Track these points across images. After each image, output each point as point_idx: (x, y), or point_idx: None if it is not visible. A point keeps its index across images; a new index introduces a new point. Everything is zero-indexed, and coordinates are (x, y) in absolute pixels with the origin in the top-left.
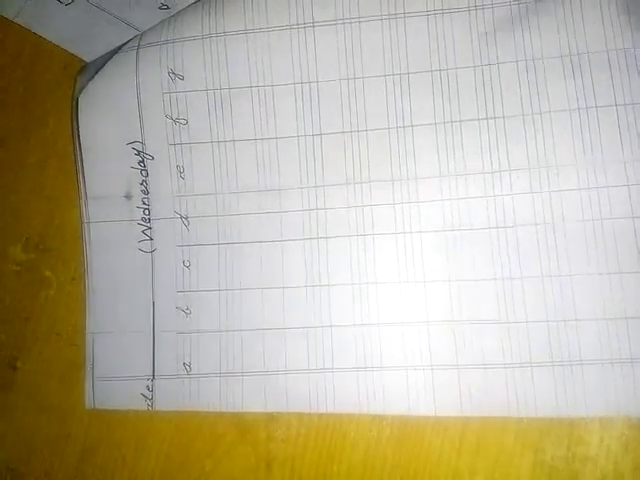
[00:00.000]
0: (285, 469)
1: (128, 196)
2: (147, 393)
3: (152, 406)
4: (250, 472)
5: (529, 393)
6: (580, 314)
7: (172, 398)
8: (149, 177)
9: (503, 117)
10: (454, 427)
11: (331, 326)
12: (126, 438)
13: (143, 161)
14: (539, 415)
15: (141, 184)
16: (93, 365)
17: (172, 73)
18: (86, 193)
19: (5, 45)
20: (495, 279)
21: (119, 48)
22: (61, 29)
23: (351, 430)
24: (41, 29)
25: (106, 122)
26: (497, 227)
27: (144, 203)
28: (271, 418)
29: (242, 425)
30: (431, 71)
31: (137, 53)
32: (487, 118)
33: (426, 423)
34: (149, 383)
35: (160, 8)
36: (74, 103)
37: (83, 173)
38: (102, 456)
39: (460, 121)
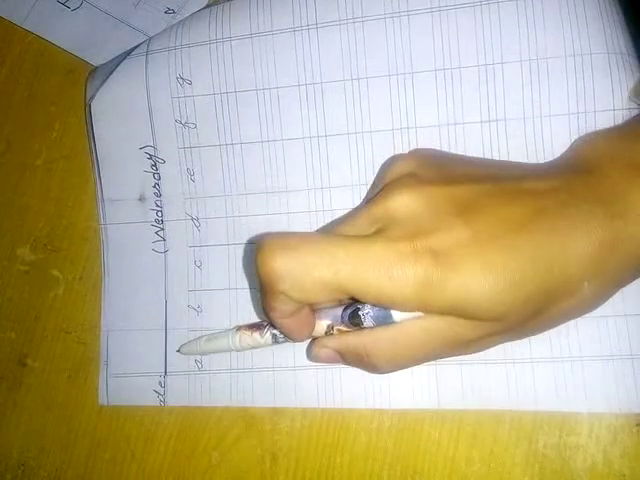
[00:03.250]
0: (290, 460)
1: (142, 199)
2: (159, 389)
3: (164, 402)
4: (256, 464)
5: (529, 388)
6: None
7: (184, 394)
8: (161, 180)
9: (505, 120)
10: (451, 419)
11: None
12: (134, 433)
13: (155, 165)
14: (539, 409)
15: (154, 187)
16: (107, 362)
17: (180, 78)
18: (103, 196)
19: (10, 50)
20: None
21: (128, 53)
22: (68, 34)
23: (353, 422)
24: (48, 34)
25: (119, 127)
26: None
27: (157, 205)
28: (276, 411)
29: (248, 418)
30: (435, 70)
31: (146, 59)
32: (490, 121)
33: (424, 415)
34: (161, 379)
35: (166, 12)
36: (87, 109)
37: (100, 177)
38: (111, 451)
39: (463, 123)
